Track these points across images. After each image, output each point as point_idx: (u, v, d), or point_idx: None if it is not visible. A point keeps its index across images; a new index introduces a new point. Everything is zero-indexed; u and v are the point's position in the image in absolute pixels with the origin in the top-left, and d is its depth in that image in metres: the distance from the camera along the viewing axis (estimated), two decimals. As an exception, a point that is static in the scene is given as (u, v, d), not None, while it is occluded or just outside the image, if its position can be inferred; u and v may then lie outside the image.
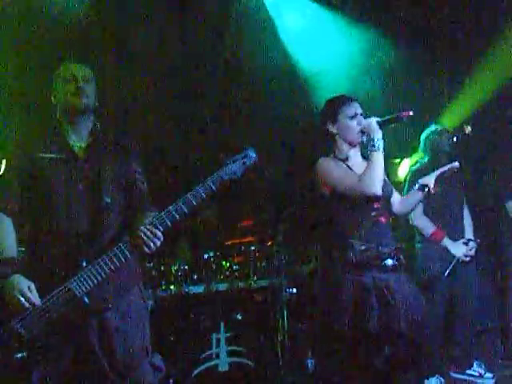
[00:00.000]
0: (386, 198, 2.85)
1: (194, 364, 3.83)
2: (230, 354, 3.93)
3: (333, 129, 2.85)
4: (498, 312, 4.70)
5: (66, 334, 2.32)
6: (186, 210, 2.39)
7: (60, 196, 2.42)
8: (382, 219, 2.80)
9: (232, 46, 5.22)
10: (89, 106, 2.52)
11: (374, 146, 2.69)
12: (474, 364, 4.17)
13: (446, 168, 2.87)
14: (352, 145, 2.85)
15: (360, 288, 2.67)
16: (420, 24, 5.31)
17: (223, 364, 3.89)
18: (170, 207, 2.40)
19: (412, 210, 3.05)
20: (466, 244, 4.10)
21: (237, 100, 5.43)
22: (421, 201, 3.01)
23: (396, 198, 2.99)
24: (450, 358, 4.21)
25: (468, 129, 4.07)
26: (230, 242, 4.92)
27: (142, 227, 2.36)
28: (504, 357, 4.61)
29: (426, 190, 2.86)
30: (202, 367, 3.83)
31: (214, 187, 2.42)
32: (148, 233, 2.35)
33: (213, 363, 3.87)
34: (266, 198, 5.03)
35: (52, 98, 2.59)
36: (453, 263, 4.01)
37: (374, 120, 2.72)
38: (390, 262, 2.73)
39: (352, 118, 2.80)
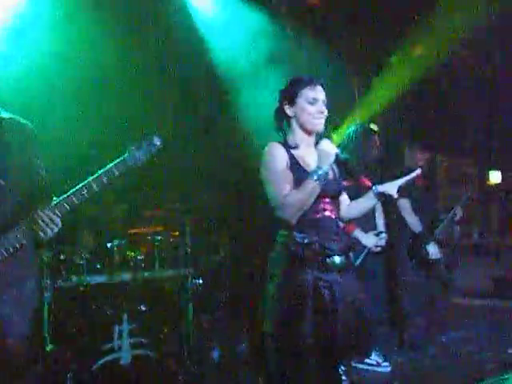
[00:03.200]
0: (334, 195, 2.64)
1: (95, 357, 3.68)
2: (133, 346, 3.82)
3: (289, 111, 2.61)
4: (391, 303, 4.95)
5: None
6: (86, 196, 2.32)
7: None
8: (330, 214, 2.57)
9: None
10: None
11: (316, 173, 2.43)
12: (372, 353, 4.36)
13: (410, 176, 2.70)
14: (306, 132, 2.61)
15: (297, 289, 2.43)
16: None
17: (125, 357, 3.78)
18: (70, 192, 2.32)
19: (357, 216, 2.82)
20: (377, 235, 4.28)
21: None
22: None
23: (344, 199, 2.79)
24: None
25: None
26: (135, 231, 4.81)
27: (38, 211, 2.27)
28: (397, 345, 4.91)
29: (385, 198, 2.69)
30: (104, 360, 3.70)
31: (116, 172, 2.36)
32: (45, 217, 2.26)
33: (115, 356, 3.74)
34: (174, 186, 4.94)
35: None
36: (364, 253, 4.17)
37: (334, 149, 2.48)
38: (337, 259, 2.50)
39: (312, 103, 2.56)
